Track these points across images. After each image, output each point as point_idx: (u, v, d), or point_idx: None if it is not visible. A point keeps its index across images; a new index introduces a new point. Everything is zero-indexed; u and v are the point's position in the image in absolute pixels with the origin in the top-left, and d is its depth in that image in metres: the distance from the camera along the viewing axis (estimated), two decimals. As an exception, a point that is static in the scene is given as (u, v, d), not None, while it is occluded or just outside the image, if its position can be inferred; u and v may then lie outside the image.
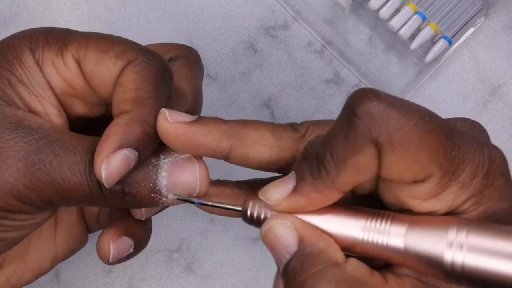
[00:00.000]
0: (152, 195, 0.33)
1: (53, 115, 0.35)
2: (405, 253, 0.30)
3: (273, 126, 0.34)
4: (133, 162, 0.32)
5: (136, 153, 0.32)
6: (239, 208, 0.33)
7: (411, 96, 0.53)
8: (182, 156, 0.34)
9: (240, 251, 0.51)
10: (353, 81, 0.53)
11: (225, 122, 0.34)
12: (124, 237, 0.37)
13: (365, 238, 0.30)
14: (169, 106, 0.34)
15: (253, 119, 0.35)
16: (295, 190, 0.31)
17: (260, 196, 0.32)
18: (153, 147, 0.33)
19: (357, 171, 0.30)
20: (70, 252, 0.40)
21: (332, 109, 0.53)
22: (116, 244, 0.36)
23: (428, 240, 0.29)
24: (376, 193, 0.33)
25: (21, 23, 0.53)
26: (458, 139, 0.29)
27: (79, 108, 0.36)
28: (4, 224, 0.33)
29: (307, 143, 0.34)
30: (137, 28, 0.53)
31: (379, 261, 0.31)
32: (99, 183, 0.33)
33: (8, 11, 0.53)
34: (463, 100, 0.53)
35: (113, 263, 0.37)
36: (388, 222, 0.30)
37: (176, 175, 0.33)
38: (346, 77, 0.53)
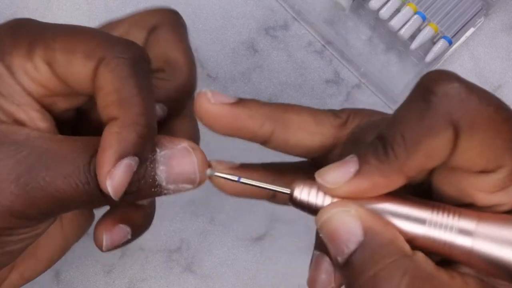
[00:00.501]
0: (153, 189, 0.33)
1: (38, 120, 0.34)
2: (472, 252, 0.28)
3: (315, 112, 0.33)
4: (135, 166, 0.32)
5: (137, 158, 0.32)
6: (287, 191, 0.31)
7: (411, 96, 0.52)
8: (178, 146, 0.33)
9: (240, 251, 0.51)
10: (353, 81, 0.53)
11: (268, 105, 0.33)
12: (120, 225, 0.36)
13: (430, 232, 0.29)
14: (155, 92, 0.33)
15: (293, 104, 0.33)
16: (358, 173, 0.29)
17: (318, 179, 0.30)
18: (151, 145, 0.33)
19: (428, 156, 0.28)
20: (79, 235, 0.40)
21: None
22: (111, 234, 0.36)
23: (498, 241, 0.28)
24: (426, 184, 0.31)
25: (21, 23, 0.53)
26: None
27: (62, 104, 0.35)
28: (9, 240, 0.33)
29: (355, 127, 0.33)
30: (137, 28, 0.53)
31: (434, 256, 0.30)
32: (98, 188, 0.32)
33: (8, 11, 0.53)
34: (463, 100, 0.53)
35: (111, 250, 0.36)
36: (456, 218, 0.29)
37: (174, 168, 0.33)
38: (346, 77, 0.53)
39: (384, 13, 0.52)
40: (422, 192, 0.31)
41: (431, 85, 0.28)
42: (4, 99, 0.33)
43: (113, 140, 0.31)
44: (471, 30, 0.53)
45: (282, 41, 0.53)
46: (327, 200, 0.30)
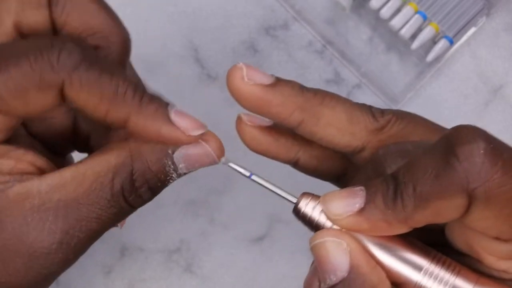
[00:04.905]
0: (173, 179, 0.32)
1: (36, 160, 0.32)
2: None
3: (351, 108, 0.31)
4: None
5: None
6: (294, 201, 0.30)
7: (412, 97, 0.52)
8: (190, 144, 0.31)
9: (240, 252, 0.50)
10: (353, 81, 0.53)
11: (303, 92, 0.31)
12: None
13: (424, 281, 0.28)
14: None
15: (332, 93, 0.32)
16: (361, 212, 0.28)
17: (322, 205, 0.29)
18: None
19: (437, 214, 0.27)
20: None
21: (333, 109, 0.52)
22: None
23: None
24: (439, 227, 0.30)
25: (20, 23, 0.53)
26: None
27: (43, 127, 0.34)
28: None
29: (381, 149, 0.31)
30: (137, 28, 0.53)
31: None
32: (125, 203, 0.31)
33: (8, 11, 0.53)
34: (465, 100, 0.53)
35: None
36: (454, 274, 0.28)
37: (194, 165, 0.31)
38: (346, 77, 0.53)
39: (385, 12, 0.52)
40: (433, 229, 0.30)
41: (455, 145, 0.26)
42: (4, 159, 0.31)
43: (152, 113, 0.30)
44: (473, 29, 0.53)
45: (282, 41, 0.53)
46: (328, 223, 0.29)
